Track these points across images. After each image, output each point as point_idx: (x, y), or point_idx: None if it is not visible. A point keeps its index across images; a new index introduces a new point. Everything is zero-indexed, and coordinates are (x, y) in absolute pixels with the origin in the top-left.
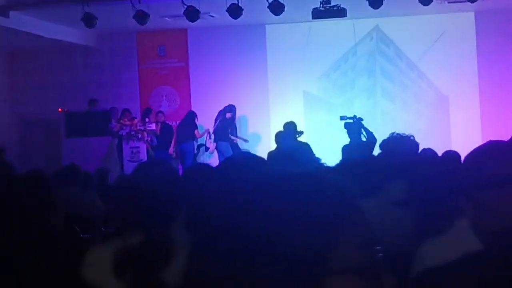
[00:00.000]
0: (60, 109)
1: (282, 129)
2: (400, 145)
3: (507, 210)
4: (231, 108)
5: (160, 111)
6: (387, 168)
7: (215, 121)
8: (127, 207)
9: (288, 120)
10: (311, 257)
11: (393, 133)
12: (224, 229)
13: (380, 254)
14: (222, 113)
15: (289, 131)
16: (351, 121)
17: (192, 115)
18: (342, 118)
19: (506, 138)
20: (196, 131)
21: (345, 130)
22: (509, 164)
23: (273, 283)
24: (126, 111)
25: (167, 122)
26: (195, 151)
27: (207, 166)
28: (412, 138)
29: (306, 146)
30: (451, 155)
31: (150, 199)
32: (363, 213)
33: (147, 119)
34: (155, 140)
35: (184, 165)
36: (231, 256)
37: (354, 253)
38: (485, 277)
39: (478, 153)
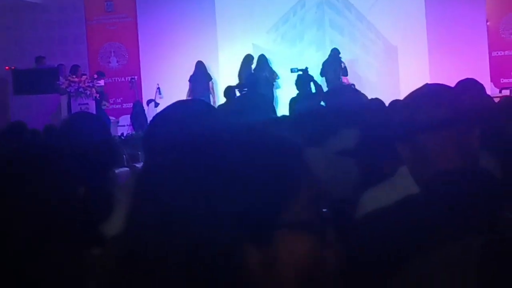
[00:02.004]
0: (7, 67)
1: (231, 83)
2: (343, 95)
3: (441, 154)
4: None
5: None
6: (333, 119)
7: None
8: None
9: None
10: (262, 212)
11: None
12: (169, 182)
13: (325, 210)
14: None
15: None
16: (301, 73)
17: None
18: (292, 70)
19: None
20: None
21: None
22: (442, 107)
23: (222, 237)
24: (76, 67)
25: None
26: (147, 107)
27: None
28: (353, 86)
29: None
30: (398, 105)
31: (81, 152)
32: (311, 169)
33: (95, 76)
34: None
35: None
36: (176, 211)
37: (304, 209)
38: (419, 219)
39: (414, 98)
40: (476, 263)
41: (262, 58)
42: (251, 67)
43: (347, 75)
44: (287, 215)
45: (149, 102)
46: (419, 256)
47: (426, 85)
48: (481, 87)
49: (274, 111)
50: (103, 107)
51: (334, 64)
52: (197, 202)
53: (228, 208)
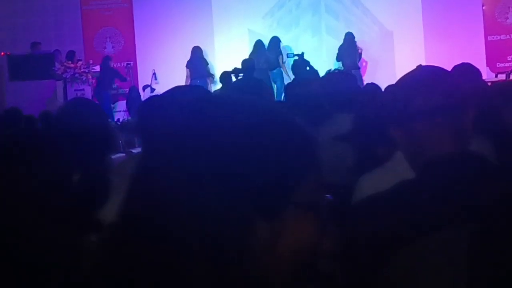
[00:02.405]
0: (2, 53)
1: (227, 69)
2: (339, 80)
3: (435, 139)
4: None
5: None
6: (328, 104)
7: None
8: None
9: (233, 59)
10: (278, 188)
11: (329, 70)
12: (169, 167)
13: (328, 196)
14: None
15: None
16: (297, 58)
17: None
18: (288, 55)
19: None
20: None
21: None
22: (438, 92)
23: (220, 224)
24: (71, 53)
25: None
26: (143, 92)
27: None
28: (348, 72)
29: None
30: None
31: (77, 138)
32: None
33: (91, 61)
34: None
35: None
36: (175, 197)
37: (311, 191)
38: (415, 204)
39: (408, 81)
40: (467, 250)
41: (259, 44)
42: (279, 50)
43: (359, 60)
44: (299, 194)
45: (145, 87)
46: (414, 241)
47: (420, 67)
48: (477, 72)
49: (272, 96)
50: (113, 90)
51: (351, 50)
52: (198, 187)
53: (229, 196)
